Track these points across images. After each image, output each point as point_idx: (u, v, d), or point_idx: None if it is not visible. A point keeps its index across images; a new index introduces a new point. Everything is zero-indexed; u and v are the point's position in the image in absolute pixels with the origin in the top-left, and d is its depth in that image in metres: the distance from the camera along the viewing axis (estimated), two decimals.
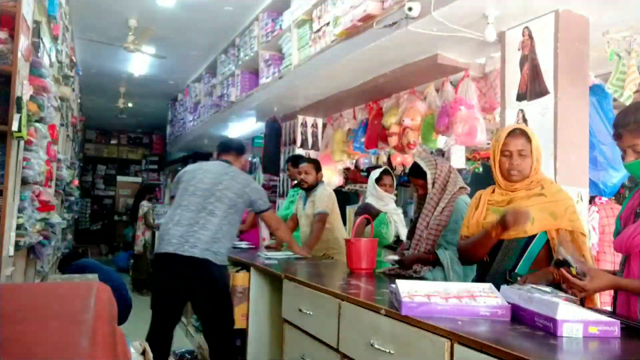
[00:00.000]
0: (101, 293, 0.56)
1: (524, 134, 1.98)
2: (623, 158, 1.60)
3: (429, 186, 2.56)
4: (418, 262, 2.52)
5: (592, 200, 4.05)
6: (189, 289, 2.95)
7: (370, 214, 3.15)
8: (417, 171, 2.60)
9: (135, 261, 7.71)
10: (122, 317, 4.48)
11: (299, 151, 5.50)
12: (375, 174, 3.47)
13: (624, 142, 1.57)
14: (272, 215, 3.32)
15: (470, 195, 2.54)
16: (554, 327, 1.34)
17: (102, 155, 12.82)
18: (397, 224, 3.34)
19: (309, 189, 3.85)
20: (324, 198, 3.77)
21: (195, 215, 2.93)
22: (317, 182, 3.87)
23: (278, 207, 5.36)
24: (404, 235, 3.26)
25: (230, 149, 3.31)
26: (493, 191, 2.07)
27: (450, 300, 1.57)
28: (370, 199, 3.42)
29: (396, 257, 2.62)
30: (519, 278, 1.84)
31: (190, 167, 3.30)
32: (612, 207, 3.98)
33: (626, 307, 1.56)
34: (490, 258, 1.99)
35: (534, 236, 1.90)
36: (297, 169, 4.11)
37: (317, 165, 3.95)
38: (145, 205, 7.68)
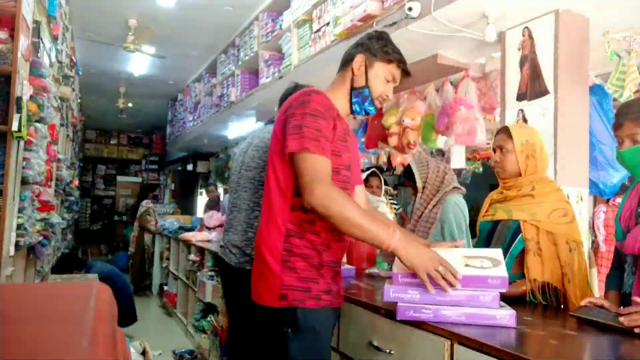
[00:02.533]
0: (101, 293, 0.56)
1: (505, 130, 1.98)
2: (619, 149, 1.60)
3: (419, 186, 2.56)
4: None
5: (607, 200, 4.07)
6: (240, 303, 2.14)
7: None
8: (408, 172, 2.62)
9: (132, 262, 7.69)
10: (130, 319, 4.51)
11: None
12: (362, 176, 3.48)
13: (623, 131, 1.58)
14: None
15: (469, 195, 2.56)
16: None
17: (102, 155, 12.83)
18: None
19: None
20: None
21: (230, 215, 2.31)
22: None
23: None
24: None
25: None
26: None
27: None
28: None
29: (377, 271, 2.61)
30: None
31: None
32: None
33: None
34: None
35: (514, 240, 1.88)
36: None
37: None
38: (143, 205, 7.64)
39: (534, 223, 1.84)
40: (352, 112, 1.69)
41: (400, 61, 1.71)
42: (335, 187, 1.44)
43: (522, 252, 1.86)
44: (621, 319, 1.35)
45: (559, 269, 1.80)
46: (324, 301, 1.53)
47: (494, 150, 2.01)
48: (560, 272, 1.80)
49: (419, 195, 2.58)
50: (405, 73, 1.73)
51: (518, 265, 1.87)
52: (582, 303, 1.56)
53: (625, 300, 1.62)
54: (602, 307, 1.52)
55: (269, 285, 1.51)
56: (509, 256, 1.89)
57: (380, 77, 1.67)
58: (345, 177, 1.59)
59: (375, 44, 1.69)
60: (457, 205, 2.47)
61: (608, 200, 4.10)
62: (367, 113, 1.69)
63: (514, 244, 1.87)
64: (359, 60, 1.67)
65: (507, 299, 1.79)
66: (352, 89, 1.67)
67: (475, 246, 2.10)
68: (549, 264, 1.80)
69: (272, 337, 1.53)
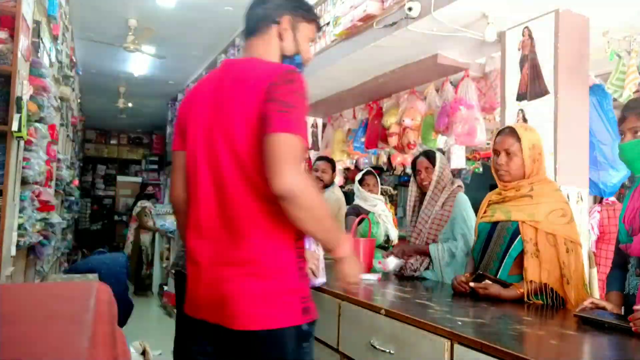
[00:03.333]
0: (101, 293, 0.56)
1: (512, 132, 1.93)
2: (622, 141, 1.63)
3: (433, 179, 2.55)
4: (417, 253, 2.54)
5: (600, 200, 4.07)
6: None
7: (359, 214, 3.16)
8: (430, 157, 2.60)
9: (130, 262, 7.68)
10: (124, 318, 4.49)
11: None
12: (358, 175, 3.50)
13: (626, 124, 1.60)
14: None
15: (468, 195, 2.56)
16: None
17: (102, 155, 12.81)
18: (386, 224, 3.34)
19: (323, 188, 3.83)
20: (330, 202, 3.69)
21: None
22: (332, 182, 3.87)
23: None
24: (393, 235, 3.28)
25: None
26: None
27: None
28: (357, 201, 3.45)
29: (395, 262, 2.60)
30: (486, 280, 1.88)
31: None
32: (614, 209, 3.99)
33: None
34: (479, 259, 2.00)
35: (513, 241, 1.88)
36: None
37: (333, 164, 3.92)
38: (139, 205, 7.62)
39: (532, 224, 1.83)
40: None
41: (317, 20, 1.52)
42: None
43: (521, 254, 1.85)
44: (632, 324, 1.34)
45: (557, 271, 1.80)
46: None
47: (496, 152, 1.96)
48: (559, 274, 1.80)
49: (428, 192, 2.57)
50: (319, 29, 1.55)
51: (516, 267, 1.87)
52: (585, 304, 1.56)
53: (628, 300, 1.62)
54: (604, 308, 1.52)
55: (285, 301, 1.28)
56: (508, 257, 1.88)
57: (306, 39, 1.47)
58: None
59: (295, 2, 1.46)
60: (467, 203, 2.50)
61: (601, 200, 4.10)
62: None
63: (513, 245, 1.87)
64: (285, 22, 1.42)
65: (506, 302, 1.80)
66: (283, 57, 1.43)
67: (474, 247, 2.09)
68: (546, 265, 1.80)
69: None
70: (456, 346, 1.35)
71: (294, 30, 1.43)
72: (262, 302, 1.25)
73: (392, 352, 1.60)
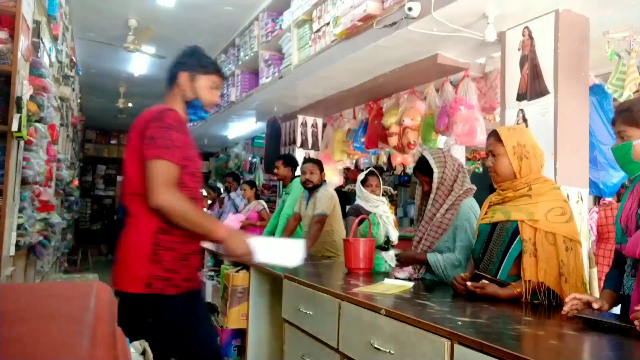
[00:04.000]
0: (101, 293, 0.56)
1: (494, 134, 1.98)
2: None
3: (434, 186, 2.39)
4: (415, 261, 2.47)
5: (598, 200, 4.08)
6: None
7: (359, 215, 3.15)
8: (424, 168, 2.44)
9: None
10: None
11: (299, 151, 5.49)
12: (360, 176, 3.48)
13: (615, 128, 1.67)
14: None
15: (474, 196, 2.52)
16: None
17: (102, 155, 12.82)
18: (386, 225, 3.33)
19: (313, 189, 3.84)
20: (325, 199, 3.70)
21: None
22: (321, 182, 3.87)
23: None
24: (393, 236, 3.26)
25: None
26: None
27: None
28: (359, 201, 3.44)
29: (394, 253, 2.60)
30: (482, 280, 1.88)
31: None
32: (612, 208, 3.99)
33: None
34: (479, 260, 2.00)
35: (512, 242, 1.87)
36: (287, 168, 4.23)
37: (320, 165, 3.95)
38: None
39: (531, 223, 1.83)
40: (190, 120, 2.00)
41: (217, 70, 2.00)
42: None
43: (521, 254, 1.85)
44: (636, 322, 1.34)
45: (554, 270, 1.80)
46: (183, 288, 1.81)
47: (487, 155, 2.01)
48: (557, 273, 1.80)
49: (431, 195, 2.40)
50: (223, 77, 2.05)
51: (516, 267, 1.87)
52: (567, 300, 1.57)
53: (624, 301, 1.62)
54: (588, 302, 1.53)
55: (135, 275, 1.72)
56: (508, 258, 1.88)
57: (205, 88, 1.95)
58: (199, 178, 1.90)
59: (193, 60, 1.97)
60: (471, 211, 2.33)
61: (598, 200, 4.11)
62: (201, 119, 2.07)
63: (513, 245, 1.87)
64: (183, 77, 1.93)
65: (503, 301, 1.80)
66: (185, 102, 1.94)
67: (474, 248, 2.09)
68: (543, 264, 1.80)
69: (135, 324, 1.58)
70: (456, 346, 1.35)
71: (192, 82, 1.94)
72: None
73: (392, 352, 1.60)
